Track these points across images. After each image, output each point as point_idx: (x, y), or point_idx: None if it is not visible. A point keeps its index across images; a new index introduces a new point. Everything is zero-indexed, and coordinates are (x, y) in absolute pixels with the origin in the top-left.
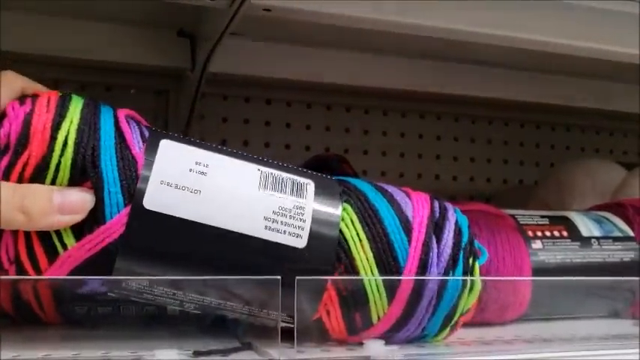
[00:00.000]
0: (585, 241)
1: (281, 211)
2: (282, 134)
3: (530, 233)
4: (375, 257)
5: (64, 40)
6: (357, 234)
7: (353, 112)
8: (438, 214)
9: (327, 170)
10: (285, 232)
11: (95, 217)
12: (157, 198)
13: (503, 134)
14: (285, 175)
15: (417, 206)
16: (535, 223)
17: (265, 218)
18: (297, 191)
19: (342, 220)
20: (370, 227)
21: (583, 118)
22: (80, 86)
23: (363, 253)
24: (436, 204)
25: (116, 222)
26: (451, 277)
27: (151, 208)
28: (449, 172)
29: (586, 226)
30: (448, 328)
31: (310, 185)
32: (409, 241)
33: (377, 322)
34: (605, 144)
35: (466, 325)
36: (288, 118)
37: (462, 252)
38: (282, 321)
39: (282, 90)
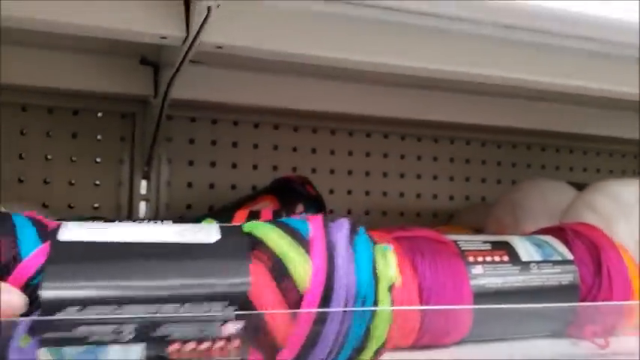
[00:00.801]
0: (525, 266)
1: (189, 228)
2: (250, 155)
3: (471, 259)
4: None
5: (32, 69)
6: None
7: (320, 133)
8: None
9: (291, 192)
10: (195, 236)
11: (14, 258)
12: (71, 234)
13: (465, 153)
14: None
15: (339, 225)
16: (477, 248)
17: (175, 232)
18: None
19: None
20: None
21: (543, 137)
22: (47, 110)
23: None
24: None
25: (35, 255)
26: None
27: (67, 239)
28: (413, 191)
29: (526, 251)
30: (383, 335)
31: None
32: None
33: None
34: (565, 162)
35: (407, 348)
36: (256, 140)
37: (367, 242)
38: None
39: (250, 113)
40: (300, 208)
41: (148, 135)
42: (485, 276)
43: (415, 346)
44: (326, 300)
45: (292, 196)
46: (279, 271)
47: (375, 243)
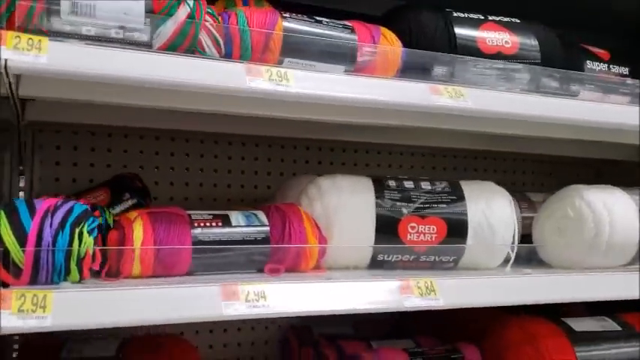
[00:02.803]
0: (233, 227)
1: None
2: (105, 157)
3: (195, 224)
4: (13, 231)
5: None
6: (5, 222)
7: (145, 139)
8: (59, 204)
9: (121, 184)
10: None
11: None
12: None
13: (267, 154)
14: None
15: (44, 203)
16: (202, 218)
17: None
18: None
19: None
20: (11, 217)
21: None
22: None
23: (6, 230)
24: (60, 201)
25: None
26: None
27: None
28: (237, 182)
29: (236, 219)
30: (75, 269)
31: None
32: (32, 218)
33: (24, 267)
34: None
35: (148, 277)
36: (109, 145)
37: (69, 221)
38: None
39: (104, 127)
40: (127, 196)
41: (22, 145)
42: (203, 234)
43: (154, 276)
44: (36, 270)
45: (122, 187)
46: (6, 260)
47: (82, 217)
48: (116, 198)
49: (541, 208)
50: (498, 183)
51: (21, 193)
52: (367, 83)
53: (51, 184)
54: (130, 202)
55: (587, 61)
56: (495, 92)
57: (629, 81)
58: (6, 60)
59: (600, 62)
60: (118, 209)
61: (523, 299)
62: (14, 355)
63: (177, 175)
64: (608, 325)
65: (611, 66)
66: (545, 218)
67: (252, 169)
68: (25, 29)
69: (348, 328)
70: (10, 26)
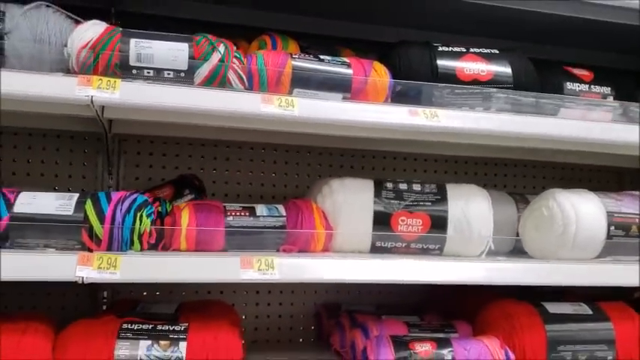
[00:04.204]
0: (257, 217)
1: (63, 204)
2: (174, 161)
3: (228, 213)
4: (96, 214)
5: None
6: (91, 207)
7: (206, 145)
8: (127, 196)
9: (183, 183)
10: (63, 210)
11: None
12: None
13: (295, 159)
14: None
15: (117, 194)
16: (234, 209)
17: (55, 207)
18: (68, 198)
19: (85, 204)
20: (95, 204)
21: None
22: (56, 136)
23: (92, 212)
24: (129, 193)
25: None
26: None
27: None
28: (270, 182)
29: (261, 211)
30: (137, 242)
31: (75, 195)
32: (109, 205)
33: (103, 239)
34: (365, 164)
35: (193, 251)
36: (177, 152)
37: (132, 208)
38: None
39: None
40: (187, 192)
41: (110, 150)
42: (234, 221)
43: (196, 251)
44: (110, 241)
45: (183, 185)
46: (91, 233)
47: (141, 205)
48: (179, 193)
49: (527, 207)
50: (514, 187)
51: (109, 189)
52: (355, 108)
53: (132, 182)
54: (189, 197)
55: (567, 83)
56: (465, 112)
57: (582, 101)
58: (92, 96)
59: (581, 83)
60: (179, 202)
61: (481, 279)
62: (103, 308)
63: (231, 176)
64: (581, 309)
65: (592, 86)
66: (527, 216)
67: (285, 172)
68: (105, 73)
69: (372, 308)
70: (95, 72)
